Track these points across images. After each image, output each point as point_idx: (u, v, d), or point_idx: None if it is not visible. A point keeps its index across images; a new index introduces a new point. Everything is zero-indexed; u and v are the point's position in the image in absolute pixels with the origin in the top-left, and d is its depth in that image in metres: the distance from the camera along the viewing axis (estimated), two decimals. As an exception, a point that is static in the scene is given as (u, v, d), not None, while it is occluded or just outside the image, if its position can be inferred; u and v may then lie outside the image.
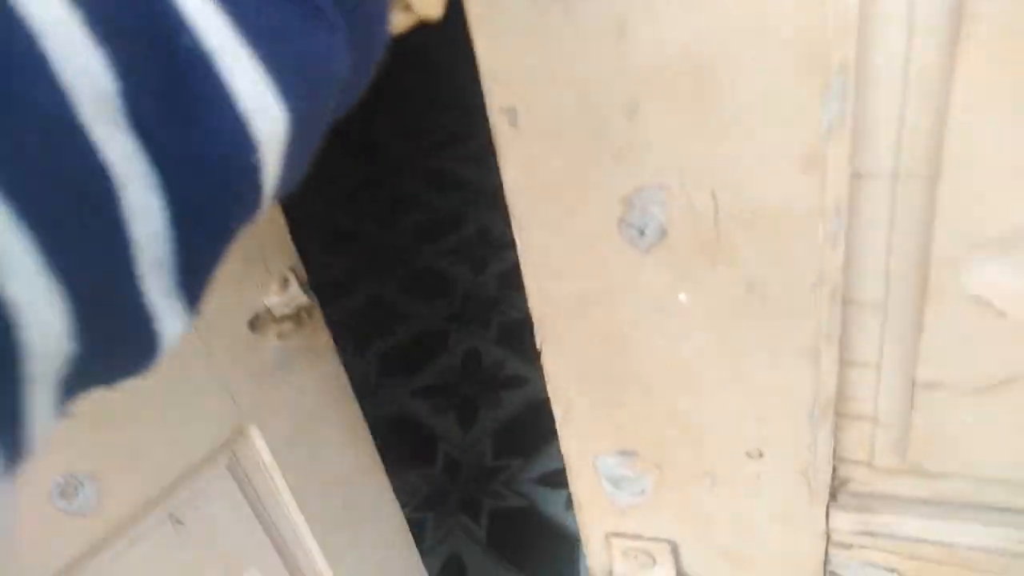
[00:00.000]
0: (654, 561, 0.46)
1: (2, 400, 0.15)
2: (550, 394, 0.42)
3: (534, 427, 1.30)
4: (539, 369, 0.40)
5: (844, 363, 0.37)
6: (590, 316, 0.37)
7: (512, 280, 1.61)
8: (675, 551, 0.45)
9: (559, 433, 0.43)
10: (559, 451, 0.44)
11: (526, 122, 0.32)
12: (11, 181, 0.14)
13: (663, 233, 0.33)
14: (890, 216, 0.31)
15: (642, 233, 0.33)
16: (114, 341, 0.18)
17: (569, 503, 1.12)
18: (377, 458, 0.68)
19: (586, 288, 0.36)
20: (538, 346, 0.40)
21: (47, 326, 0.15)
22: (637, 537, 0.46)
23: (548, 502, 1.20)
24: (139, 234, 0.17)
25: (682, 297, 0.35)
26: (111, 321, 0.17)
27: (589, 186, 0.33)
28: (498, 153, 0.33)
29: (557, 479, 1.21)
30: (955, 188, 0.29)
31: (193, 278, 0.19)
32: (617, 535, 0.46)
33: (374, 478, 0.68)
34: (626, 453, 0.42)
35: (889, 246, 0.32)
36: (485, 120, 0.32)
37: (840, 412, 0.38)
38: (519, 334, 1.49)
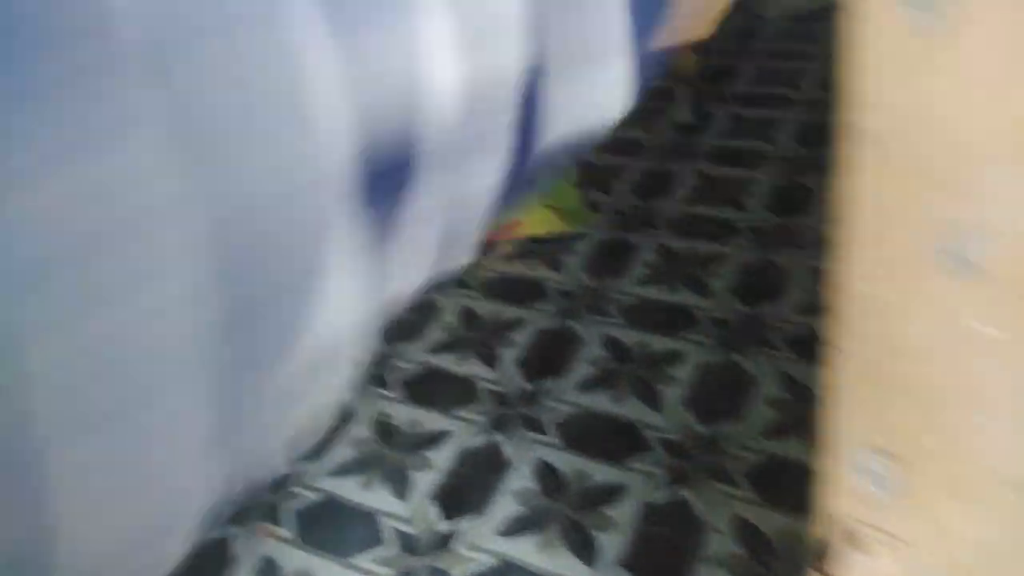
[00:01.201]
0: (883, 553, 0.50)
1: None
2: (830, 379, 0.46)
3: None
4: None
5: None
6: (885, 323, 0.41)
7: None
8: (906, 552, 0.49)
9: (827, 415, 0.48)
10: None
11: (875, 143, 0.36)
12: None
13: (978, 267, 0.36)
14: None
15: (957, 262, 0.37)
16: None
17: None
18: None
19: (890, 299, 0.40)
20: (831, 337, 0.44)
21: None
22: (873, 528, 0.50)
23: None
24: None
25: (989, 330, 0.38)
26: None
27: (917, 212, 0.36)
28: (844, 158, 0.37)
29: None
30: None
31: None
32: (854, 519, 0.50)
33: None
34: (881, 451, 0.46)
35: None
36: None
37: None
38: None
